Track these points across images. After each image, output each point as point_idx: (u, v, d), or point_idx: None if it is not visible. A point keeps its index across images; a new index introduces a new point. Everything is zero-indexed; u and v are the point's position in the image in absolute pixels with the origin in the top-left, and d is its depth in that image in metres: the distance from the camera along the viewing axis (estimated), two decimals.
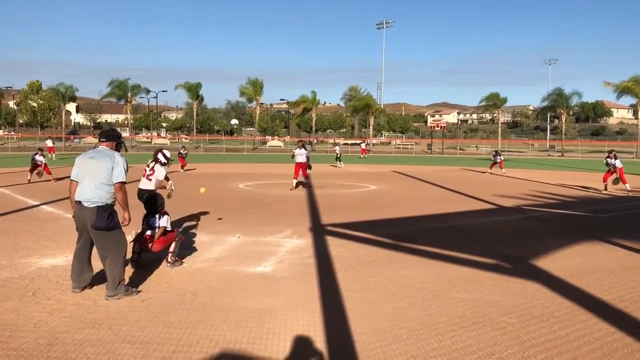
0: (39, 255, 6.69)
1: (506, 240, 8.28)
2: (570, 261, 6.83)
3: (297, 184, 16.15)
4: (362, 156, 43.49)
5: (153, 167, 7.76)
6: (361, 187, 17.70)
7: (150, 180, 7.67)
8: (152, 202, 6.45)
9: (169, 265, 6.26)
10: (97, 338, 4.02)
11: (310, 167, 16.43)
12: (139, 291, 5.23)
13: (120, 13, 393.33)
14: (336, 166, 29.43)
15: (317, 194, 14.85)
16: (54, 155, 35.92)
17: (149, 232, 6.29)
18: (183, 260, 6.49)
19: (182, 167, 24.60)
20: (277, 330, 4.27)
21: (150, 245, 6.17)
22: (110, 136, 5.30)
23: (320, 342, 4.03)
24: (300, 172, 15.94)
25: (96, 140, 5.89)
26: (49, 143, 38.46)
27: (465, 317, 4.62)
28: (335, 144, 30.64)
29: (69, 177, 5.27)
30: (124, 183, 5.09)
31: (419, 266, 6.52)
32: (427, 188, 17.95)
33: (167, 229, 6.34)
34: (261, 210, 11.43)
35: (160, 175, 7.76)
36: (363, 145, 47.94)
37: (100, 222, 4.89)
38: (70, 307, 4.74)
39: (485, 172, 25.51)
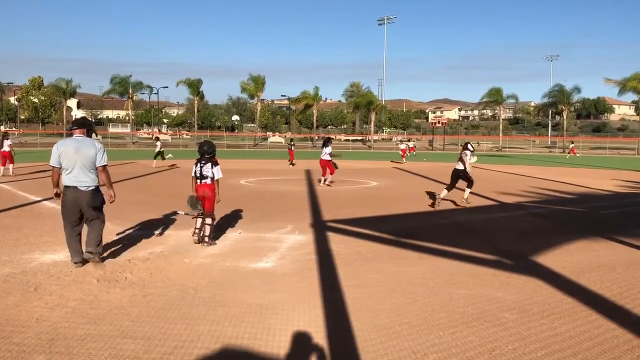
0: (41, 251, 6.71)
1: (507, 236, 8.28)
2: (571, 257, 6.83)
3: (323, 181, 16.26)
4: (410, 154, 40.51)
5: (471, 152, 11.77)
6: (362, 183, 17.70)
7: (463, 162, 11.58)
8: (209, 149, 7.29)
9: (205, 244, 7.12)
10: (98, 333, 4.03)
11: (336, 167, 16.40)
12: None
13: (121, 9, 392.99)
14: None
15: (317, 190, 14.86)
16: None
17: (206, 180, 7.17)
18: (215, 242, 7.33)
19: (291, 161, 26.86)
20: (278, 325, 4.28)
21: (208, 201, 7.17)
22: (82, 124, 6.04)
23: (321, 338, 4.04)
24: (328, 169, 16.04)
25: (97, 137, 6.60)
26: (94, 137, 38.63)
27: (466, 313, 4.63)
28: (157, 138, 27.38)
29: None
30: (106, 166, 5.90)
31: (420, 262, 6.53)
32: (428, 184, 17.94)
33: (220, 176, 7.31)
34: (262, 206, 11.44)
35: (467, 159, 11.61)
36: (410, 144, 43.88)
37: (98, 202, 5.84)
38: (72, 302, 4.76)
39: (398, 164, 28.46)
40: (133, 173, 20.00)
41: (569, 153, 43.86)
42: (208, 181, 7.15)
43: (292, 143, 29.81)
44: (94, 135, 6.19)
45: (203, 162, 7.19)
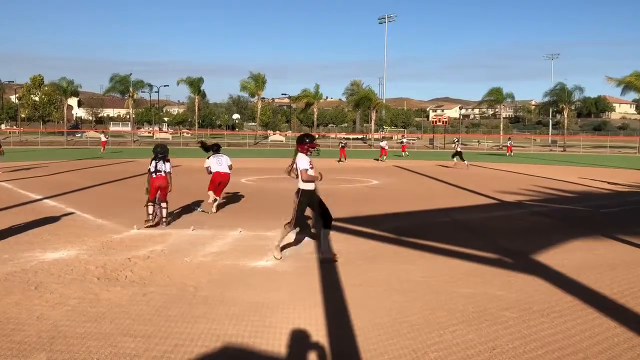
0: (42, 249, 6.71)
1: (508, 235, 8.28)
2: (571, 256, 6.83)
3: None
4: (404, 154, 37.73)
5: None
6: (363, 181, 17.69)
7: None
8: (162, 151, 8.82)
9: (164, 224, 8.55)
10: (99, 332, 4.04)
11: None
12: None
13: (122, 7, 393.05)
14: None
15: (318, 189, 14.81)
16: (102, 148, 36.57)
17: (160, 173, 8.62)
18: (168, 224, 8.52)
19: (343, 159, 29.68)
20: (279, 324, 4.28)
21: (163, 190, 8.57)
22: None
23: (321, 336, 4.04)
24: None
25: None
26: (103, 137, 38.92)
27: (466, 311, 4.63)
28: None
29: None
30: None
31: (421, 261, 6.53)
32: (429, 183, 17.94)
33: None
34: (262, 204, 11.43)
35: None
36: (404, 141, 41.71)
37: None
38: (72, 300, 4.76)
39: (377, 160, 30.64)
40: (133, 172, 19.99)
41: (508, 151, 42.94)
42: (162, 174, 8.66)
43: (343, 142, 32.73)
44: None
45: (157, 160, 8.72)
